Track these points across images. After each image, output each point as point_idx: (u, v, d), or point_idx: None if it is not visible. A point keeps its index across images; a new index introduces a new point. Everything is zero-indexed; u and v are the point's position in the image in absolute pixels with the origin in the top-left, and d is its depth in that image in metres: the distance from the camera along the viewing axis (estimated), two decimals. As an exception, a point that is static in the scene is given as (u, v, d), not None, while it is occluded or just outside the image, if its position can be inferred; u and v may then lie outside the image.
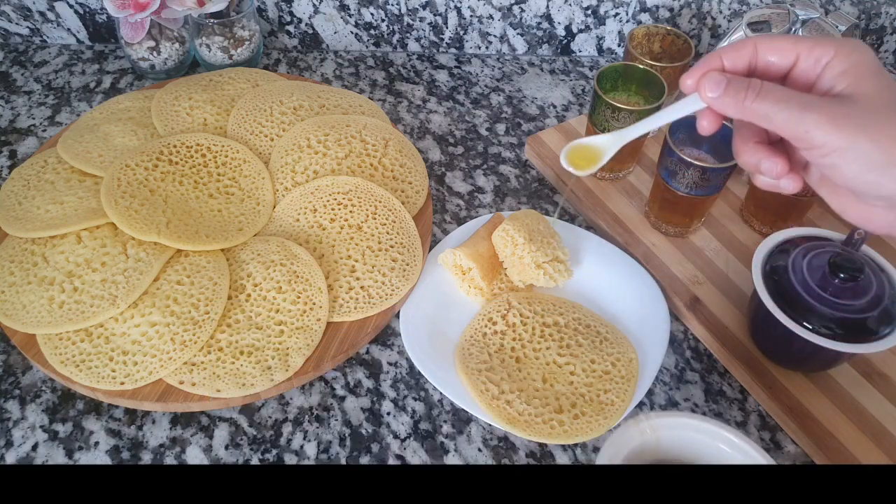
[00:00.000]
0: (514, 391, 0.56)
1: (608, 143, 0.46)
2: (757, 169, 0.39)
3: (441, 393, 0.58)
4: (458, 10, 0.88)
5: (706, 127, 0.40)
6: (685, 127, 0.64)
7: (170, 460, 0.54)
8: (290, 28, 0.90)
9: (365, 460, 0.54)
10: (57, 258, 0.59)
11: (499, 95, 0.87)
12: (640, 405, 0.58)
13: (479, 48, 0.93)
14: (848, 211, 0.38)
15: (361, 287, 0.61)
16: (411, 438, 0.56)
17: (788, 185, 0.39)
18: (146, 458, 0.54)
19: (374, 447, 0.55)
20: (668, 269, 0.65)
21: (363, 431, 0.56)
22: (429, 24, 0.89)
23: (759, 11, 0.69)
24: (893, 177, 0.34)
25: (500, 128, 0.82)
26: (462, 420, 0.57)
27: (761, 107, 0.36)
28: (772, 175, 0.39)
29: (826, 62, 0.36)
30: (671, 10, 0.88)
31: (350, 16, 0.88)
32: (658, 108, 0.66)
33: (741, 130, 0.40)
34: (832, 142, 0.34)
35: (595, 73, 0.74)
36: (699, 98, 0.38)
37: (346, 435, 0.56)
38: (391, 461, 0.54)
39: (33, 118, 0.80)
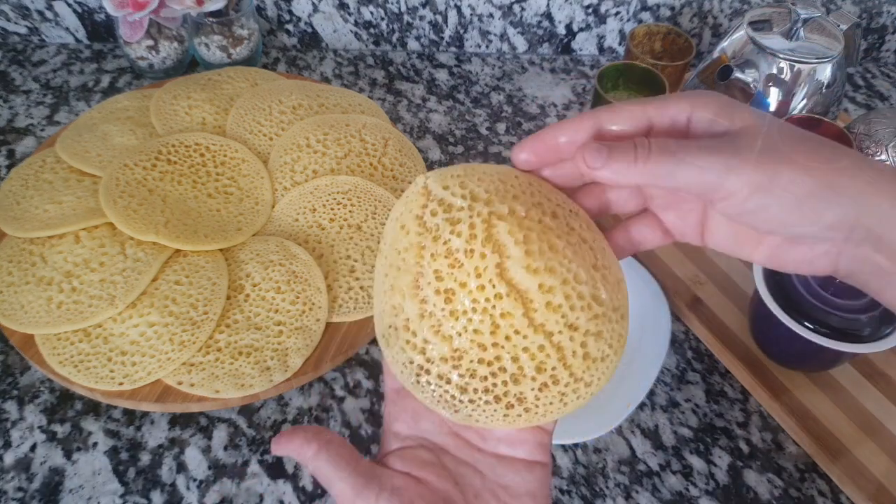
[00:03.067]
0: (446, 359, 0.33)
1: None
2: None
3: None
4: (458, 8, 0.87)
5: None
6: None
7: (168, 461, 0.54)
8: (290, 27, 0.90)
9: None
10: (55, 258, 0.59)
11: (499, 94, 0.86)
12: (642, 406, 0.58)
13: (480, 47, 0.92)
14: (783, 259, 0.32)
15: (361, 287, 0.61)
16: (411, 439, 0.56)
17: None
18: (145, 458, 0.54)
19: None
20: (670, 269, 0.65)
21: (363, 432, 0.56)
22: (429, 22, 0.89)
23: (760, 10, 0.69)
24: (831, 202, 0.28)
25: (501, 127, 0.82)
26: (462, 420, 0.57)
27: (658, 165, 0.29)
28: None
29: (687, 116, 0.31)
30: (672, 8, 0.88)
31: (349, 14, 0.88)
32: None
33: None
34: (752, 181, 0.29)
35: (596, 72, 0.74)
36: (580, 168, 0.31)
37: (346, 436, 0.56)
38: (391, 462, 0.54)
39: (31, 117, 0.80)
